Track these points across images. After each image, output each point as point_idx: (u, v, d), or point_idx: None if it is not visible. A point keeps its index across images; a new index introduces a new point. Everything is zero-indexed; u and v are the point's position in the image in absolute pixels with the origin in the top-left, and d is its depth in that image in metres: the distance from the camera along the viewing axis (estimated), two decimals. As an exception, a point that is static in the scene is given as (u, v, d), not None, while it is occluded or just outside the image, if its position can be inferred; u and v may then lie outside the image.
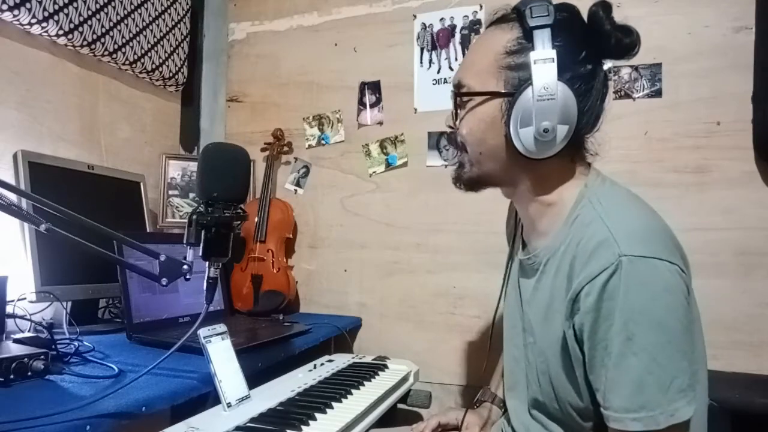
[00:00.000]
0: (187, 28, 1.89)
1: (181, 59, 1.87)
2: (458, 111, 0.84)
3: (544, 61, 0.73)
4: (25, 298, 1.21)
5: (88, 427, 0.72)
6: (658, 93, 1.51)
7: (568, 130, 0.75)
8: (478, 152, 0.83)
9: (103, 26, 1.52)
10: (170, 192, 1.83)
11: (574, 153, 0.81)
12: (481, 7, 1.71)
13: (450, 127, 0.88)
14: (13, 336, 1.06)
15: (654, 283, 0.67)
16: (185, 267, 0.87)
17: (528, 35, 0.75)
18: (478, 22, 1.71)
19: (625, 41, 0.76)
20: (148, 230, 1.60)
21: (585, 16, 0.79)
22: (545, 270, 0.82)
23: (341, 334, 1.63)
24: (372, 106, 1.84)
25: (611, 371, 0.69)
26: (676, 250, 0.72)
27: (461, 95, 0.82)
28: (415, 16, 1.79)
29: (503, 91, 0.78)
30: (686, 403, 0.67)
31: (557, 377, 0.80)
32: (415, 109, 1.78)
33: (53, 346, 0.99)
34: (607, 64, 0.81)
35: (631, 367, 0.68)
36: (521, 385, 0.91)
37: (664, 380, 0.67)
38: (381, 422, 1.11)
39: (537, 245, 0.86)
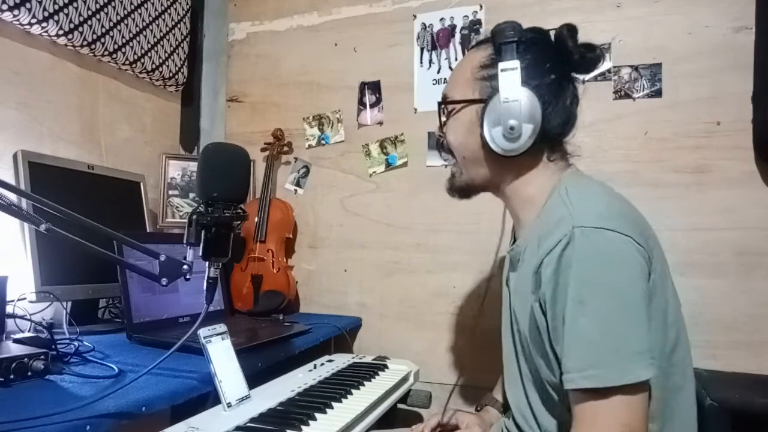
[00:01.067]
0: (187, 28, 1.89)
1: (181, 59, 1.87)
2: (446, 120, 0.95)
3: (510, 70, 0.84)
4: (25, 298, 1.21)
5: (88, 427, 0.72)
6: (658, 93, 1.51)
7: (533, 129, 0.84)
8: (462, 156, 0.94)
9: (103, 26, 1.52)
10: (170, 192, 1.83)
11: (549, 152, 0.90)
12: (481, 7, 1.71)
13: (440, 136, 0.98)
14: (13, 336, 1.06)
15: (605, 252, 0.73)
16: (185, 267, 0.87)
17: (498, 51, 0.87)
18: (478, 22, 1.71)
19: (589, 55, 0.86)
20: (148, 230, 1.60)
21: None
22: (523, 258, 0.88)
23: (341, 334, 1.63)
24: (372, 106, 1.84)
25: (566, 336, 0.73)
26: (634, 227, 0.77)
27: (445, 104, 0.95)
28: (415, 16, 1.79)
29: (478, 98, 0.89)
30: (641, 367, 0.69)
31: (535, 356, 0.84)
32: (415, 109, 1.78)
33: (53, 346, 0.99)
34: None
35: (581, 329, 0.72)
36: (516, 376, 0.95)
37: (615, 341, 0.70)
38: (381, 422, 1.11)
39: (519, 236, 0.95)
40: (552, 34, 0.90)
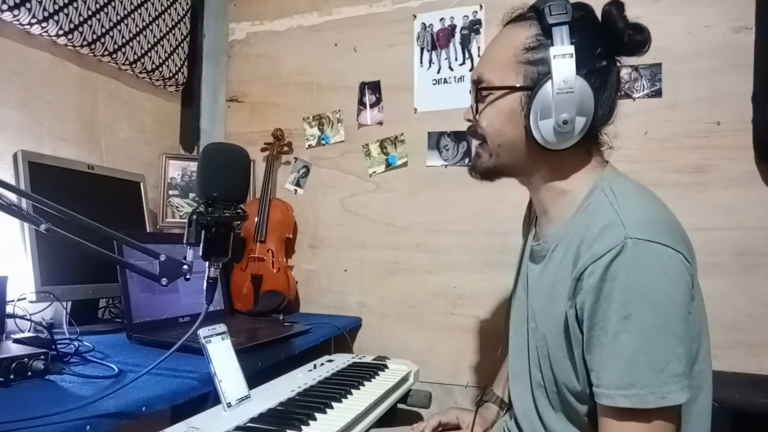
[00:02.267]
0: (187, 28, 1.89)
1: (181, 59, 1.87)
2: (478, 105, 0.86)
3: (563, 56, 0.76)
4: (25, 298, 1.21)
5: (88, 427, 0.72)
6: (658, 93, 1.51)
7: (585, 122, 0.78)
8: (497, 144, 0.86)
9: (103, 26, 1.52)
10: (170, 192, 1.83)
11: (590, 145, 0.84)
12: (481, 7, 1.70)
13: (469, 120, 0.90)
14: (13, 336, 1.06)
15: (656, 267, 0.69)
16: (185, 267, 0.87)
17: (547, 32, 0.78)
18: (478, 22, 1.71)
19: (637, 38, 0.79)
20: (148, 230, 1.60)
21: (599, 14, 0.82)
22: (552, 256, 0.84)
23: (341, 334, 1.63)
24: (372, 106, 1.84)
25: (606, 349, 0.70)
26: (682, 241, 0.74)
27: (482, 89, 0.85)
28: (415, 16, 1.79)
29: (523, 84, 0.81)
30: (679, 389, 0.67)
31: (557, 360, 0.81)
32: (415, 109, 1.78)
33: (53, 346, 0.99)
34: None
35: (624, 345, 0.69)
36: (524, 374, 0.92)
37: (657, 362, 0.68)
38: (381, 422, 1.11)
39: (547, 232, 0.88)
40: (597, 11, 0.82)
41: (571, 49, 0.75)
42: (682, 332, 0.69)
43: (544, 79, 0.77)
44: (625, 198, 0.77)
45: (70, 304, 1.29)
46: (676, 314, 0.69)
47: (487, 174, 0.90)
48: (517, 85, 0.81)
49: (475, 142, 0.92)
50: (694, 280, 0.73)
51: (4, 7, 1.24)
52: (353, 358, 1.44)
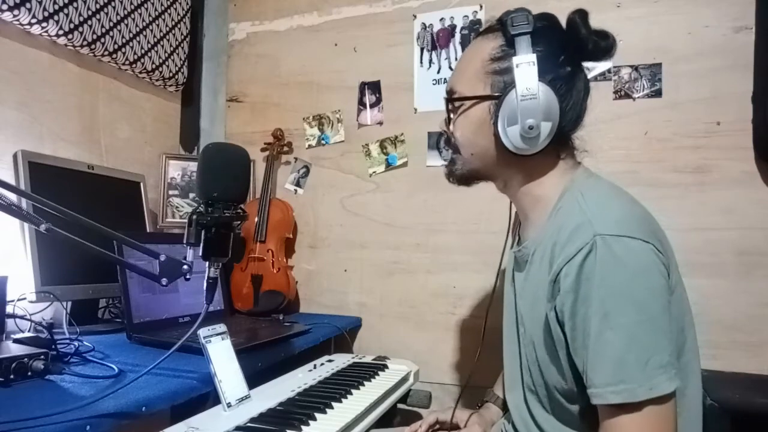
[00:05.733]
0: (187, 28, 1.89)
1: (181, 59, 1.87)
2: (451, 116, 0.90)
3: (525, 65, 0.79)
4: (25, 298, 1.21)
5: (88, 427, 0.72)
6: (658, 93, 1.51)
7: (551, 127, 0.80)
8: (470, 153, 0.89)
9: (103, 26, 1.52)
10: (170, 192, 1.83)
11: (560, 149, 0.87)
12: (481, 7, 1.70)
13: (444, 131, 0.94)
14: (13, 336, 1.06)
15: (628, 261, 0.70)
16: (185, 267, 0.87)
17: (510, 42, 0.82)
18: (478, 22, 1.71)
19: (602, 44, 0.82)
20: (148, 230, 1.60)
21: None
22: (533, 260, 0.86)
23: (341, 334, 1.62)
24: (372, 106, 1.84)
25: (591, 349, 0.71)
26: (653, 234, 0.75)
27: (452, 100, 0.89)
28: (415, 16, 1.79)
29: (490, 93, 0.84)
30: (666, 379, 0.68)
31: (544, 362, 0.82)
32: (415, 109, 1.78)
33: (53, 346, 0.99)
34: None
35: (609, 343, 0.70)
36: (517, 379, 0.94)
37: (642, 355, 0.69)
38: (381, 422, 1.11)
39: (526, 237, 0.91)
40: (562, 20, 0.85)
41: (533, 57, 0.78)
42: (664, 322, 0.70)
43: (510, 87, 0.80)
44: (593, 198, 0.79)
45: (70, 304, 1.29)
46: (655, 305, 0.70)
47: (463, 180, 0.93)
48: (485, 95, 0.84)
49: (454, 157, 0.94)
50: (669, 269, 0.74)
51: (4, 7, 1.24)
52: (353, 358, 1.44)
